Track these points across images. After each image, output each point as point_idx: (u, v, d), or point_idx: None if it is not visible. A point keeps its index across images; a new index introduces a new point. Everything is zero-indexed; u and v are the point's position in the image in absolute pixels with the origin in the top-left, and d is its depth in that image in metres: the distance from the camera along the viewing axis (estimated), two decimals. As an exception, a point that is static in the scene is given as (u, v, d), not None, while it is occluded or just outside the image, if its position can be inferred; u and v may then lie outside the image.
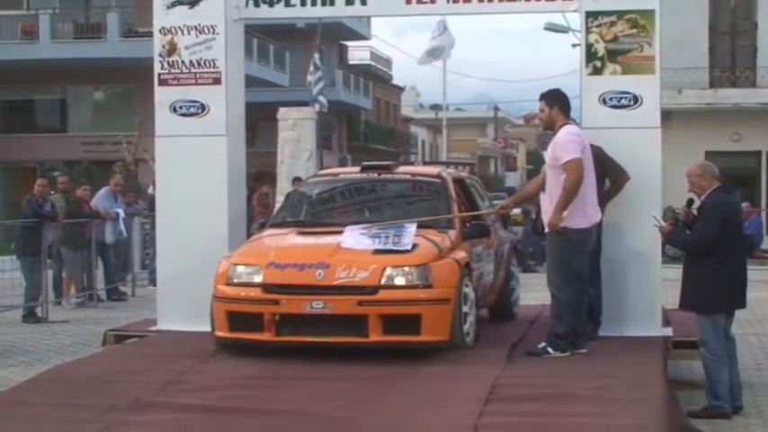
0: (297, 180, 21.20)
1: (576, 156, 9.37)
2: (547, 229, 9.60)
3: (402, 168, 11.67)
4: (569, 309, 9.53)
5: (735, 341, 9.45)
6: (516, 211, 44.68)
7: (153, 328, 11.25)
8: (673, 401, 8.34)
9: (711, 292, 8.97)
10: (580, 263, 9.59)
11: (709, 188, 9.10)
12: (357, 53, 64.62)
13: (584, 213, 9.51)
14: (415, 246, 9.48)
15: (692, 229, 9.24)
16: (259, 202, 22.66)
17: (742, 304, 9.28)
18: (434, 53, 38.43)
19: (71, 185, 19.26)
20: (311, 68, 31.86)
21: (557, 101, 9.78)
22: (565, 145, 9.45)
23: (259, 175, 31.85)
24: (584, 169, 9.39)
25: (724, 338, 9.18)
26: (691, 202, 9.38)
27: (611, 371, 8.80)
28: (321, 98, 30.89)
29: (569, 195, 9.36)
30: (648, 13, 10.46)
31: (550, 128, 9.81)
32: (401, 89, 76.54)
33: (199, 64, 11.13)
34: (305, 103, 29.84)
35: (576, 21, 10.96)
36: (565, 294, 9.54)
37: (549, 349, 9.49)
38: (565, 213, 9.37)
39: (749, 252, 9.75)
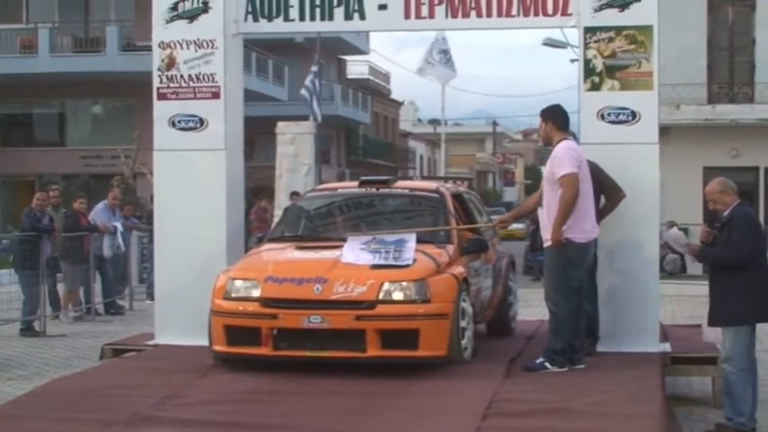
0: (295, 194, 21.23)
1: (572, 171, 9.37)
2: (546, 244, 9.61)
3: (400, 183, 11.67)
4: (566, 324, 9.52)
5: (756, 360, 9.30)
6: (519, 225, 45.09)
7: (151, 342, 11.23)
8: (671, 417, 8.34)
9: (743, 303, 8.88)
10: (577, 278, 9.58)
11: (732, 203, 9.05)
12: (356, 67, 64.72)
13: (582, 229, 9.51)
14: (413, 260, 9.48)
15: (711, 245, 9.16)
16: (257, 217, 22.67)
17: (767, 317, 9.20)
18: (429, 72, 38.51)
19: (62, 200, 19.20)
20: (310, 82, 31.94)
21: (552, 117, 9.80)
22: (561, 160, 9.47)
23: (258, 190, 31.86)
24: (580, 184, 9.41)
25: (750, 353, 9.09)
26: (713, 220, 9.34)
27: (610, 386, 8.78)
28: (316, 108, 31.05)
29: (566, 210, 9.36)
30: (647, 29, 10.48)
31: (548, 143, 9.85)
32: (400, 103, 76.66)
33: (198, 78, 11.14)
34: (304, 118, 29.87)
35: (575, 36, 10.98)
36: (562, 310, 9.54)
37: (547, 364, 9.49)
38: (564, 228, 9.38)
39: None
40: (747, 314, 8.95)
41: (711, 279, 9.18)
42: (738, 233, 8.90)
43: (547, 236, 9.54)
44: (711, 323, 9.27)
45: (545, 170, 9.77)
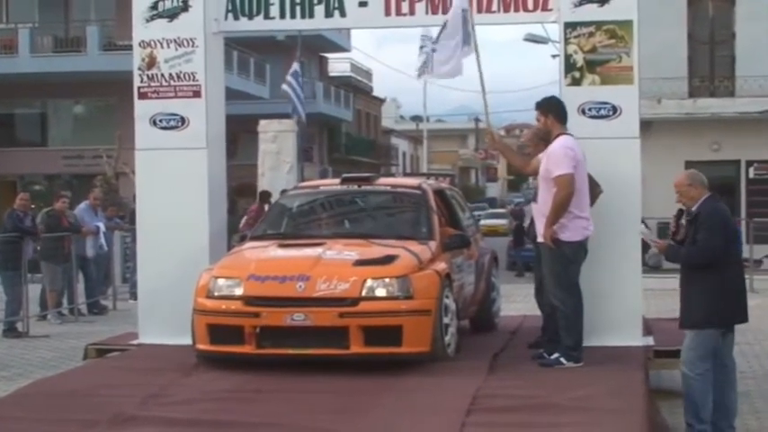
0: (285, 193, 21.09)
1: (568, 171, 9.30)
2: (540, 240, 9.56)
3: (382, 180, 11.69)
4: (575, 319, 9.46)
5: (735, 364, 8.88)
6: (502, 222, 45.20)
7: (134, 342, 11.22)
8: (654, 411, 8.36)
9: (711, 305, 8.36)
10: (577, 273, 9.55)
11: (700, 198, 8.57)
12: (337, 65, 64.67)
13: (577, 226, 9.46)
14: (395, 257, 9.49)
15: (681, 242, 8.65)
16: (254, 215, 22.48)
17: (744, 318, 8.64)
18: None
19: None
20: (291, 80, 31.73)
21: (551, 109, 9.74)
22: (558, 159, 9.39)
23: (241, 188, 31.79)
24: (576, 184, 9.33)
25: (712, 357, 8.54)
26: (680, 214, 8.98)
27: (593, 381, 8.79)
28: (300, 108, 30.77)
29: (558, 210, 9.31)
30: (626, 24, 10.50)
31: (547, 138, 9.73)
32: (382, 101, 76.61)
33: (178, 77, 11.12)
34: (286, 116, 29.78)
35: (556, 31, 10.99)
36: (569, 306, 9.46)
37: (563, 360, 9.44)
38: (555, 227, 9.35)
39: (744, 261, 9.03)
40: (710, 318, 8.42)
41: (683, 279, 8.65)
42: (708, 231, 8.38)
43: (542, 230, 9.51)
44: (680, 326, 8.74)
45: (541, 166, 9.61)
